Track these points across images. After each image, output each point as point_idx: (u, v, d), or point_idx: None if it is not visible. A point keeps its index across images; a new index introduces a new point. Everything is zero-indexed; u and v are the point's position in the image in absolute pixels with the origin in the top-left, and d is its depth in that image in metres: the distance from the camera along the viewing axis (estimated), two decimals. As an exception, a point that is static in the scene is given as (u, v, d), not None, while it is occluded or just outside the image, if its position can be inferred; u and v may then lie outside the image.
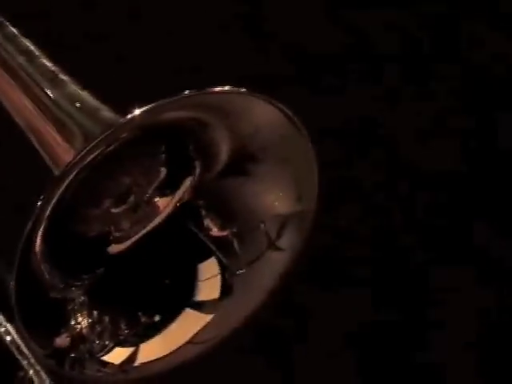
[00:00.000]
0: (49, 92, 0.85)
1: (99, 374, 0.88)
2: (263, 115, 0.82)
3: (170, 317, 0.94)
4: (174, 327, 0.93)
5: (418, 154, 2.02)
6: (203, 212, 0.94)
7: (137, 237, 0.94)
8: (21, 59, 0.89)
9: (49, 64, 0.88)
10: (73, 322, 0.88)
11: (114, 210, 0.92)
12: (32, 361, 0.90)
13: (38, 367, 0.91)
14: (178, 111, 0.81)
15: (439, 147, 2.11)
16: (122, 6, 2.24)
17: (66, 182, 0.77)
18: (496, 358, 1.94)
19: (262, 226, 0.92)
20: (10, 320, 0.95)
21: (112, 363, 0.89)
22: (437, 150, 2.10)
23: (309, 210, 0.91)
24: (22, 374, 0.90)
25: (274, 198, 0.91)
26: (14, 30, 0.94)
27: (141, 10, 2.24)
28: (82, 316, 0.89)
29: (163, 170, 0.92)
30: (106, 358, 0.89)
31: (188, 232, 0.95)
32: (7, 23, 0.94)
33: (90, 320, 0.89)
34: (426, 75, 2.21)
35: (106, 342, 0.89)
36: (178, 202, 0.94)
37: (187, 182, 0.93)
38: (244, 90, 0.79)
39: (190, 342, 0.93)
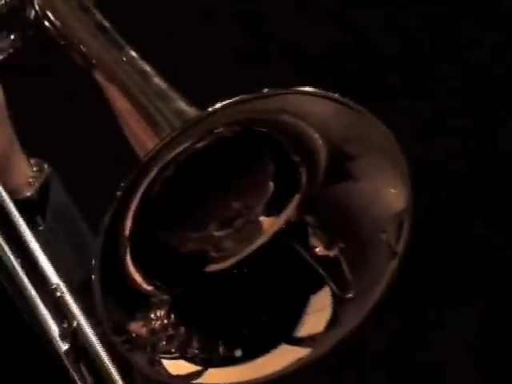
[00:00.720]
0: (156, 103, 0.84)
1: (148, 370, 0.84)
2: (332, 110, 0.78)
3: (254, 353, 0.86)
4: (257, 362, 0.86)
5: (418, 153, 2.02)
6: (311, 230, 0.87)
7: (238, 257, 0.88)
8: (136, 77, 0.88)
9: (160, 82, 0.87)
10: (152, 315, 0.84)
11: (216, 233, 0.88)
12: (77, 313, 0.84)
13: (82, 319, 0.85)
14: (257, 112, 0.79)
15: (439, 147, 2.11)
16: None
17: (153, 171, 0.76)
18: (495, 357, 1.94)
19: (383, 235, 0.83)
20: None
21: (167, 370, 0.84)
22: (437, 150, 2.10)
23: (411, 194, 0.82)
24: (66, 325, 0.87)
25: (387, 195, 0.83)
26: (133, 53, 0.92)
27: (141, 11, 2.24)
28: (159, 313, 0.85)
29: (271, 186, 0.87)
30: (164, 362, 0.84)
31: (294, 256, 0.87)
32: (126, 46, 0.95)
33: (165, 321, 0.85)
34: (426, 75, 2.21)
35: (172, 350, 0.84)
36: (285, 220, 0.87)
37: (296, 198, 0.87)
38: (318, 90, 0.76)
39: (269, 375, 0.85)
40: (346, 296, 0.85)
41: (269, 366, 0.85)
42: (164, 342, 0.84)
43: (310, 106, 0.79)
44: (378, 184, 0.82)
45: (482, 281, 1.98)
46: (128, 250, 0.81)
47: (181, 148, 0.77)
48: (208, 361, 0.85)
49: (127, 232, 0.79)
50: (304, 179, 0.86)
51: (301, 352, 0.85)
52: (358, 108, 0.77)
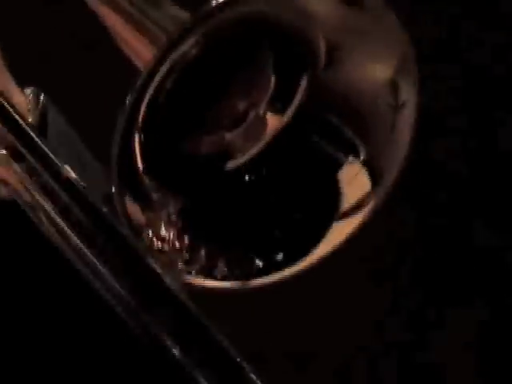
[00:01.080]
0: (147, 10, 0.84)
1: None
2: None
3: (302, 250, 0.83)
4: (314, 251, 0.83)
5: (419, 153, 2.03)
6: (322, 115, 0.87)
7: (254, 152, 0.87)
8: None
9: None
10: (162, 229, 0.80)
11: (228, 134, 0.87)
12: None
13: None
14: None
15: (439, 147, 2.12)
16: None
17: (157, 77, 0.75)
18: (495, 358, 1.94)
19: (380, 100, 0.86)
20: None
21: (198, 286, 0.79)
22: (437, 150, 2.11)
23: (409, 53, 0.85)
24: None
25: (375, 68, 0.86)
26: None
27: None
28: (170, 234, 0.81)
29: (273, 79, 0.87)
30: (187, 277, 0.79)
31: (310, 145, 0.88)
32: None
33: (177, 244, 0.81)
34: (426, 75, 2.21)
35: (193, 272, 0.80)
36: (297, 108, 0.87)
37: (303, 82, 0.87)
38: None
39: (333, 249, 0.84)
40: (367, 157, 0.86)
41: (329, 244, 0.83)
42: (181, 265, 0.80)
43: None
44: (367, 62, 0.85)
45: (482, 281, 1.99)
46: (142, 163, 0.79)
47: (179, 53, 0.76)
48: (247, 274, 0.81)
49: (137, 146, 0.78)
50: (306, 67, 0.86)
51: (353, 220, 0.85)
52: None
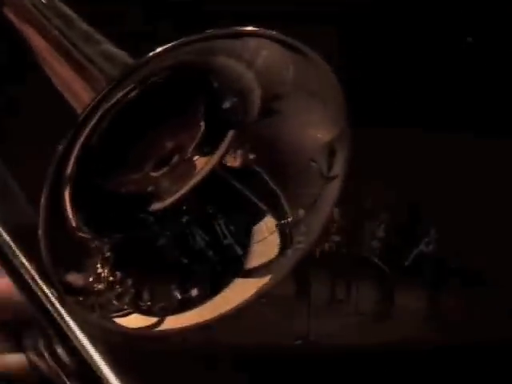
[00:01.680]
0: (81, 46, 0.84)
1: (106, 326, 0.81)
2: (270, 49, 0.79)
3: (211, 291, 0.85)
4: (215, 299, 0.85)
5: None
6: (246, 165, 0.88)
7: (179, 194, 0.89)
8: (57, 21, 0.87)
9: (84, 26, 0.87)
10: (94, 273, 0.81)
11: (153, 174, 0.88)
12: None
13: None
14: (192, 54, 0.79)
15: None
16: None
17: (92, 121, 0.76)
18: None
19: (314, 164, 0.87)
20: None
21: (124, 326, 0.82)
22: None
23: (345, 128, 0.87)
24: None
25: (314, 129, 0.87)
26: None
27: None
28: (104, 271, 0.82)
29: (203, 125, 0.89)
30: (120, 319, 0.82)
31: (232, 191, 0.88)
32: None
33: (111, 278, 0.82)
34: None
35: (124, 307, 0.82)
36: (219, 157, 0.89)
37: (229, 136, 0.88)
38: (253, 28, 0.77)
39: (231, 309, 0.84)
40: (289, 220, 0.87)
41: (229, 301, 0.84)
42: (114, 301, 0.82)
43: (249, 45, 0.79)
44: (307, 119, 0.86)
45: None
46: (70, 201, 0.79)
47: (116, 98, 0.77)
48: (165, 309, 0.84)
49: (68, 178, 0.78)
50: (236, 117, 0.87)
51: (259, 282, 0.86)
52: (300, 48, 0.79)
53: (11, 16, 0.91)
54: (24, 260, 0.77)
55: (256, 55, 0.80)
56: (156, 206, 0.89)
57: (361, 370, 8.56)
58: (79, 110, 0.76)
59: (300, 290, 11.39)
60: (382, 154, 13.46)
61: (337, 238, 11.17)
